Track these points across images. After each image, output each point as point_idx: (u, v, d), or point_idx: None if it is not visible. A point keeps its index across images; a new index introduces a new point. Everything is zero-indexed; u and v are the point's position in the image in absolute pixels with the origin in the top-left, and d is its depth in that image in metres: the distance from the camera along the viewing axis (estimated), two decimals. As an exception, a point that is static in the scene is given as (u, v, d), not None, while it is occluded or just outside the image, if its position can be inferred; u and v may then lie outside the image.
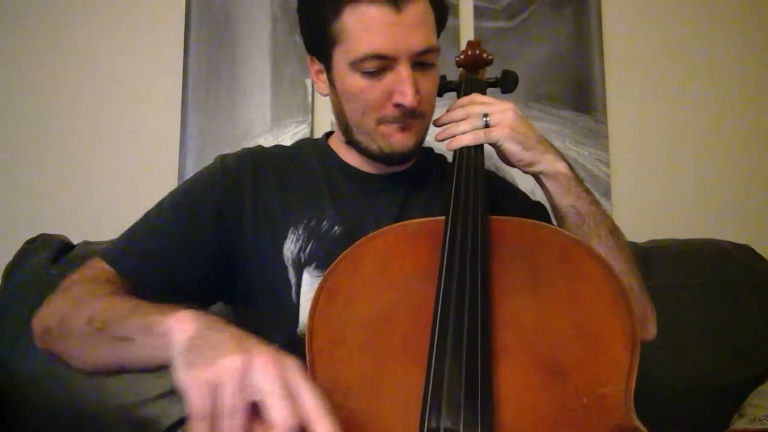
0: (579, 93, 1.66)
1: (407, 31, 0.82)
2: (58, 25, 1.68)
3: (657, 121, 1.68)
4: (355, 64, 0.85)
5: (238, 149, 1.02)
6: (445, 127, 0.95)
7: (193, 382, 0.50)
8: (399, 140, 0.90)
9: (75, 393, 1.27)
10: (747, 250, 1.44)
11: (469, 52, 1.05)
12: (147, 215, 0.92)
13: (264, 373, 0.49)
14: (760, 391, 1.29)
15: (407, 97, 0.84)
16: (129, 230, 0.91)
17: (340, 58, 0.87)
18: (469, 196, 0.80)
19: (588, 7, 1.69)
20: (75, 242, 1.44)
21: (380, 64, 0.84)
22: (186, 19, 1.67)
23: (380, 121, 0.89)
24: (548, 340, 0.63)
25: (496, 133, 0.89)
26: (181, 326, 0.56)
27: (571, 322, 0.65)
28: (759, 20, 1.70)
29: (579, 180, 0.92)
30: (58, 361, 0.75)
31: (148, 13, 1.69)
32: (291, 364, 0.51)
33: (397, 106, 0.86)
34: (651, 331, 0.91)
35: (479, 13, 1.68)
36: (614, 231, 0.90)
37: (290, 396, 0.49)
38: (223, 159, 0.98)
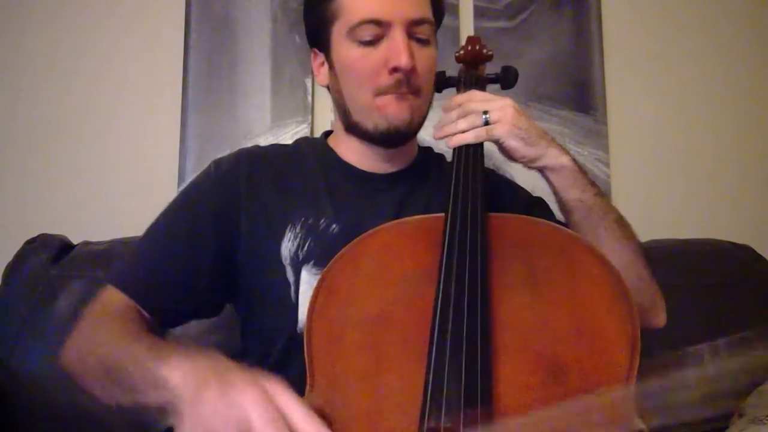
0: (579, 93, 1.66)
1: None
2: (58, 26, 1.68)
3: (657, 122, 1.68)
4: (352, 33, 0.87)
5: (235, 150, 1.02)
6: (443, 125, 0.94)
7: None
8: (394, 112, 0.89)
9: (75, 393, 1.23)
10: (747, 250, 1.44)
11: (469, 48, 1.04)
12: (149, 231, 0.93)
13: (249, 405, 0.51)
14: (760, 391, 1.29)
15: (402, 59, 0.85)
16: (134, 249, 0.93)
17: (338, 32, 0.89)
18: (468, 194, 0.80)
19: (588, 7, 1.68)
20: (75, 242, 1.44)
21: (376, 31, 0.86)
22: (186, 19, 1.67)
23: (377, 92, 0.89)
24: (547, 339, 0.63)
25: (498, 131, 0.88)
26: (174, 376, 0.60)
27: (570, 321, 0.64)
28: (759, 20, 1.70)
29: (583, 172, 0.92)
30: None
31: (148, 13, 1.69)
32: (275, 389, 0.54)
33: (393, 70, 0.87)
34: (661, 318, 0.93)
35: (479, 13, 1.68)
36: (620, 221, 0.90)
37: (278, 419, 0.51)
38: (218, 162, 0.98)
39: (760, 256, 1.43)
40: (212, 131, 1.64)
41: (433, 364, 0.60)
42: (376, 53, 0.87)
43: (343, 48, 0.89)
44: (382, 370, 0.62)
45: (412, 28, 0.87)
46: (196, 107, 1.65)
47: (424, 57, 0.90)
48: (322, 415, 0.59)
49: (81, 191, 1.63)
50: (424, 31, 0.89)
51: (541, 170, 0.92)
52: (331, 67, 0.94)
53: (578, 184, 0.90)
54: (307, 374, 0.65)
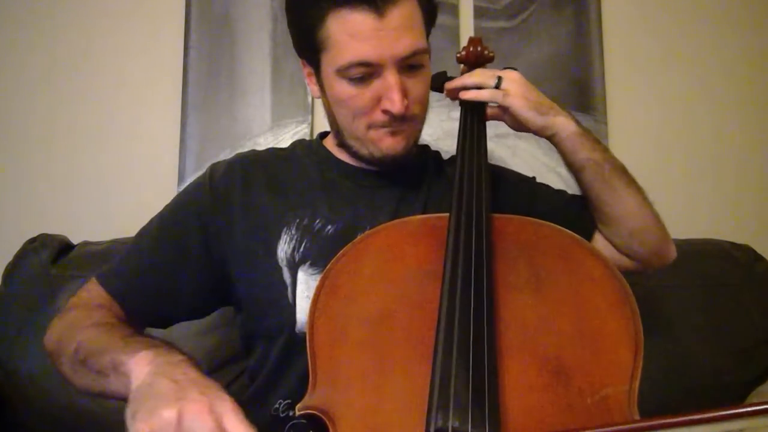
0: (579, 93, 1.66)
1: (391, 37, 0.81)
2: (57, 25, 1.68)
3: (657, 121, 1.68)
4: (342, 71, 0.84)
5: (236, 151, 1.03)
6: (456, 80, 0.98)
7: None
8: (388, 145, 0.90)
9: (75, 393, 1.25)
10: (747, 250, 1.44)
11: (471, 49, 1.05)
12: (140, 233, 0.96)
13: (197, 422, 0.53)
14: (760, 391, 1.29)
15: (395, 104, 0.84)
16: (125, 249, 0.95)
17: (327, 64, 0.86)
18: (473, 194, 0.81)
19: (588, 7, 1.68)
20: (75, 242, 1.44)
21: (366, 71, 0.84)
22: (186, 19, 1.66)
23: (370, 126, 0.89)
24: (552, 340, 0.63)
25: (512, 100, 0.92)
26: (137, 369, 0.62)
27: (574, 323, 0.65)
28: (759, 20, 1.70)
29: (588, 133, 0.95)
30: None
31: (148, 14, 1.69)
32: (226, 408, 0.54)
33: (386, 112, 0.86)
34: (673, 250, 1.00)
35: (479, 13, 1.68)
36: (625, 169, 0.95)
37: None
38: (213, 168, 0.98)
39: (760, 256, 1.43)
40: (212, 131, 1.64)
41: (440, 362, 0.60)
42: (368, 91, 0.85)
43: (334, 82, 0.87)
44: (386, 368, 0.62)
45: (404, 61, 0.84)
46: (196, 107, 1.64)
47: (418, 84, 0.89)
48: (326, 414, 0.59)
49: (81, 191, 1.63)
50: (417, 59, 0.86)
51: (550, 138, 0.95)
52: (321, 88, 0.92)
53: (586, 146, 0.93)
54: (309, 373, 0.65)
